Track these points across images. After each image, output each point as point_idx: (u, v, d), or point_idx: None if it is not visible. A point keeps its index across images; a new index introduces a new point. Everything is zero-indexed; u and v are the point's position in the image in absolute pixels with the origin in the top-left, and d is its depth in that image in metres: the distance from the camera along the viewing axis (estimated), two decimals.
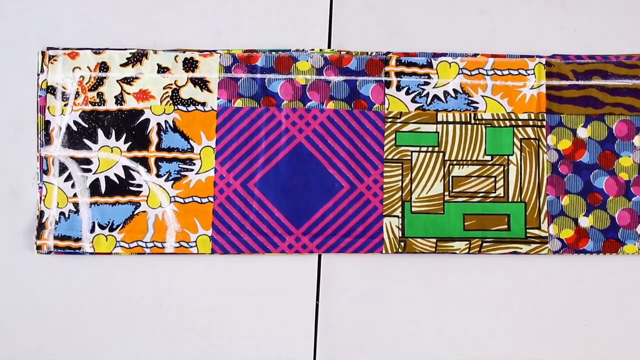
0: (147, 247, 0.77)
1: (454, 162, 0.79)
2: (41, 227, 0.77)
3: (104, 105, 0.79)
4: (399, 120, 0.79)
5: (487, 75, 0.80)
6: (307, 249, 0.78)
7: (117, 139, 0.78)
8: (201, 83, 0.79)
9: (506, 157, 0.79)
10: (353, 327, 0.78)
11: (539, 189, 0.79)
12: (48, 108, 0.78)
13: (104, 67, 0.79)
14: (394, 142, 0.79)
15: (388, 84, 0.80)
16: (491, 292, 0.78)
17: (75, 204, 0.77)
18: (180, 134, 0.79)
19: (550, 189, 0.79)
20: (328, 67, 0.80)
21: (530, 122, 0.79)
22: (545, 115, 0.79)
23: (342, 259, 0.79)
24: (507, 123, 0.79)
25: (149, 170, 0.78)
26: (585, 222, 0.79)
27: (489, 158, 0.79)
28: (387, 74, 0.80)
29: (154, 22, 0.81)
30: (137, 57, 0.79)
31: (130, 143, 0.78)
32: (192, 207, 0.78)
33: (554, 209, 0.78)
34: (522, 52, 0.81)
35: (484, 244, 0.78)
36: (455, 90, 0.80)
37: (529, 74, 0.80)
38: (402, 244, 0.78)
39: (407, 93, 0.80)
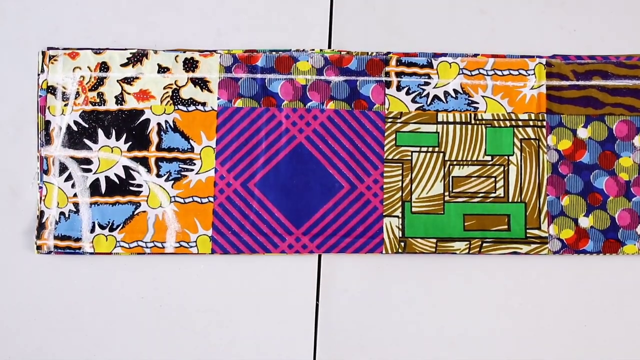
0: (147, 247, 0.77)
1: (454, 163, 0.79)
2: (41, 227, 0.77)
3: (104, 105, 0.79)
4: (399, 121, 0.79)
5: (488, 75, 0.80)
6: (307, 249, 0.78)
7: (118, 139, 0.78)
8: (201, 83, 0.79)
9: (506, 157, 0.79)
10: (353, 327, 0.78)
11: (539, 189, 0.79)
12: (48, 108, 0.78)
13: (104, 67, 0.79)
14: (394, 142, 0.79)
15: (388, 84, 0.80)
16: (491, 292, 0.78)
17: (76, 204, 0.77)
18: (180, 134, 0.79)
19: (550, 189, 0.79)
20: (328, 67, 0.80)
21: (531, 123, 0.79)
22: (545, 115, 0.79)
23: (342, 259, 0.79)
24: (508, 123, 0.79)
25: (149, 170, 0.78)
26: (585, 222, 0.79)
27: (489, 158, 0.79)
28: (387, 74, 0.80)
29: (154, 22, 0.81)
30: (138, 57, 0.79)
31: (130, 143, 0.78)
32: (192, 207, 0.78)
33: (554, 209, 0.78)
34: (522, 52, 0.81)
35: (484, 244, 0.78)
36: (455, 91, 0.80)
37: (529, 74, 0.80)
38: (402, 244, 0.78)
39: (408, 93, 0.80)
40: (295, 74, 0.80)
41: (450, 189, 0.79)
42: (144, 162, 0.78)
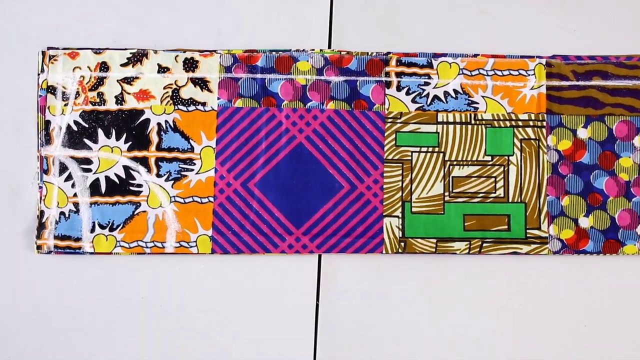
0: (147, 247, 0.77)
1: (454, 163, 0.79)
2: (41, 227, 0.77)
3: (104, 105, 0.79)
4: (399, 121, 0.79)
5: (488, 75, 0.80)
6: (307, 249, 0.78)
7: (118, 138, 0.78)
8: (201, 83, 0.79)
9: (506, 157, 0.79)
10: (353, 327, 0.78)
11: (539, 190, 0.79)
12: (48, 108, 0.78)
13: (104, 67, 0.79)
14: (394, 142, 0.79)
15: (388, 84, 0.80)
16: (491, 292, 0.78)
17: (76, 204, 0.77)
18: (180, 134, 0.79)
19: (550, 189, 0.79)
20: (328, 67, 0.80)
21: (531, 123, 0.79)
22: (545, 115, 0.79)
23: (342, 259, 0.79)
24: (508, 123, 0.79)
25: (149, 170, 0.78)
26: (585, 222, 0.79)
27: (489, 158, 0.79)
28: (387, 74, 0.80)
29: (154, 22, 0.81)
30: (138, 57, 0.79)
31: (130, 143, 0.78)
32: (192, 207, 0.78)
33: (554, 209, 0.78)
34: (522, 52, 0.81)
35: (484, 245, 0.78)
36: (455, 91, 0.80)
37: (529, 75, 0.80)
38: (402, 244, 0.78)
39: (408, 93, 0.80)
40: (295, 74, 0.80)
41: (450, 189, 0.79)
42: (144, 162, 0.78)
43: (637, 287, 0.79)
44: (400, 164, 0.79)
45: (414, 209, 0.78)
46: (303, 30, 0.82)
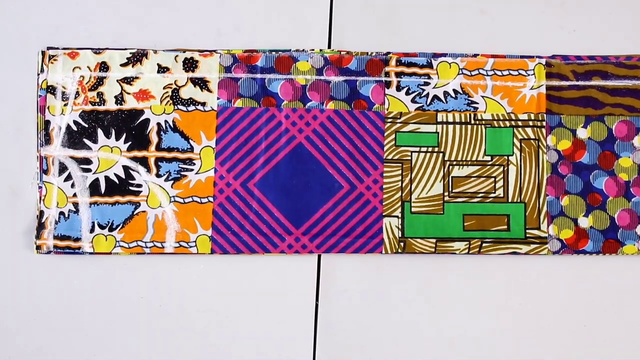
0: (146, 247, 0.77)
1: (454, 163, 0.79)
2: (41, 227, 0.77)
3: (104, 105, 0.79)
4: (398, 121, 0.79)
5: (487, 75, 0.80)
6: (307, 249, 0.78)
7: (117, 138, 0.78)
8: (201, 83, 0.79)
9: (506, 157, 0.79)
10: (353, 327, 0.78)
11: (539, 190, 0.79)
12: (48, 108, 0.78)
13: (104, 67, 0.79)
14: (393, 142, 0.79)
15: (388, 84, 0.80)
16: (491, 292, 0.78)
17: (75, 204, 0.77)
18: (180, 134, 0.79)
19: (550, 189, 0.79)
20: (328, 67, 0.80)
21: (530, 123, 0.79)
22: (545, 115, 0.79)
23: (342, 259, 0.79)
24: (507, 123, 0.79)
25: (148, 170, 0.78)
26: (584, 222, 0.79)
27: (488, 158, 0.79)
28: (387, 74, 0.80)
29: (154, 22, 0.81)
30: (137, 57, 0.79)
31: (130, 143, 0.78)
32: (192, 207, 0.78)
33: (553, 209, 0.78)
34: (522, 52, 0.81)
35: (484, 245, 0.78)
36: (455, 91, 0.80)
37: (529, 75, 0.80)
38: (402, 244, 0.78)
39: (407, 93, 0.80)
40: (295, 74, 0.80)
41: (450, 189, 0.79)
42: (143, 162, 0.78)
43: (636, 287, 0.79)
44: (400, 164, 0.79)
45: (413, 209, 0.78)
46: (303, 30, 0.82)
